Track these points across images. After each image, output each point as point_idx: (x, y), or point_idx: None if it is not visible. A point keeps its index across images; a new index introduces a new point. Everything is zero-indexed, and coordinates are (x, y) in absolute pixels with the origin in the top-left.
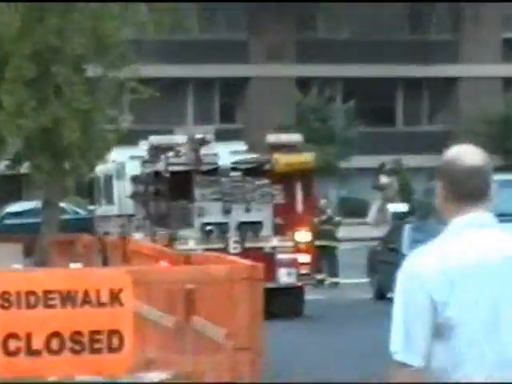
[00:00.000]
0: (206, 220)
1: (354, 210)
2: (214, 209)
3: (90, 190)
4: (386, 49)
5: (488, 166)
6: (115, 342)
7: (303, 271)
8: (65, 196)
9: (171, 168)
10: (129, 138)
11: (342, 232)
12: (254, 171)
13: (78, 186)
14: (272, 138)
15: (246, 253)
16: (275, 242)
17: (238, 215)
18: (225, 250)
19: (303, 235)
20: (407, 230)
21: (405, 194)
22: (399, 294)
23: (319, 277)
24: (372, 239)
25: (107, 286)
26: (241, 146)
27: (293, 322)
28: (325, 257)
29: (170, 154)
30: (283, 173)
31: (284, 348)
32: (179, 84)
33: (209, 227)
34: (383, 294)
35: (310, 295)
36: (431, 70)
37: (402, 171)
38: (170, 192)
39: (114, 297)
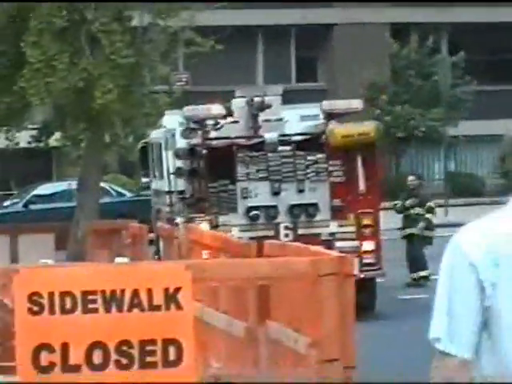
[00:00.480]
0: (250, 203)
1: (465, 187)
2: (260, 190)
3: (142, 159)
4: None
5: None
6: (172, 353)
7: (367, 260)
8: (105, 174)
9: (209, 143)
10: (184, 101)
11: (450, 216)
12: (307, 144)
13: (121, 162)
14: (327, 104)
15: (299, 240)
16: (333, 227)
17: (289, 197)
18: (275, 238)
19: (366, 219)
20: None
21: None
22: (444, 269)
23: (422, 274)
24: None
25: (161, 284)
26: (314, 109)
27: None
28: (412, 248)
29: (210, 124)
30: (341, 146)
31: (369, 355)
32: (246, 34)
33: (254, 211)
34: None
35: (407, 294)
36: None
37: None
38: (208, 171)
39: (170, 298)
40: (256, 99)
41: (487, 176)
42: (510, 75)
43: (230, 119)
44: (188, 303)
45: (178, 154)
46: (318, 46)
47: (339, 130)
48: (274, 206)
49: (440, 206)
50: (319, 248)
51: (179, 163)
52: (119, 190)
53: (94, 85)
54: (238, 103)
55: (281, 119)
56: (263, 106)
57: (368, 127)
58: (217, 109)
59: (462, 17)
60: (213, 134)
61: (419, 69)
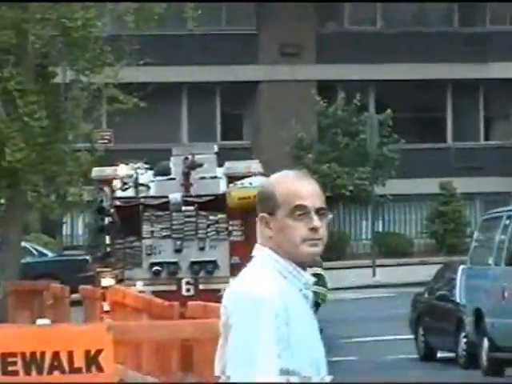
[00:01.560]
0: (154, 259)
1: (393, 247)
2: (164, 247)
3: None
4: (432, 43)
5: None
6: None
7: None
8: (27, 233)
9: (116, 202)
10: (107, 160)
11: (378, 276)
12: (210, 205)
13: (43, 221)
14: (227, 167)
15: (199, 295)
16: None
17: (190, 254)
18: (177, 292)
19: None
20: (461, 272)
21: (457, 226)
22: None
23: None
24: (416, 284)
25: (82, 346)
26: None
27: None
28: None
29: (116, 185)
30: (237, 208)
31: None
32: (170, 91)
33: (157, 267)
34: (432, 353)
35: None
36: (488, 69)
37: (455, 198)
38: (115, 228)
39: (92, 360)
40: (189, 158)
41: (416, 236)
42: (437, 133)
43: (165, 177)
44: (109, 365)
45: (94, 211)
46: (243, 103)
47: (236, 193)
48: (176, 263)
49: (367, 266)
50: None
51: (92, 220)
52: (41, 249)
53: (6, 142)
54: (175, 161)
55: (215, 177)
56: (194, 165)
57: None
58: (123, 169)
59: (388, 74)
60: (117, 194)
61: (346, 127)
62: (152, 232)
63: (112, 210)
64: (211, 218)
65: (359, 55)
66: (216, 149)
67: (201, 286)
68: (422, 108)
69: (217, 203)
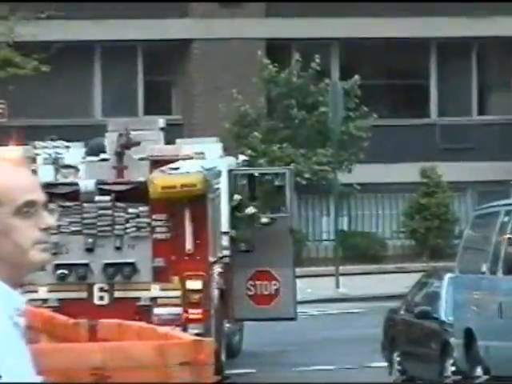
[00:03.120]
0: (60, 260)
1: (361, 250)
2: (72, 245)
3: None
4: None
5: None
6: None
7: (193, 331)
8: None
9: None
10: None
11: (343, 287)
12: (130, 195)
13: None
14: (154, 150)
15: (115, 305)
16: (155, 291)
17: (105, 254)
18: (88, 301)
19: (193, 282)
20: (447, 283)
21: (443, 224)
22: None
23: None
24: (390, 297)
25: None
26: (208, 146)
27: None
28: None
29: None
30: (161, 199)
31: None
32: (80, 52)
33: (62, 270)
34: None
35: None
36: (483, 25)
37: (440, 187)
38: None
39: None
40: (123, 134)
41: (390, 236)
42: (418, 106)
43: (97, 158)
44: None
45: None
46: (171, 68)
47: (160, 181)
48: (86, 265)
49: (329, 274)
50: (168, 329)
51: None
52: None
53: None
54: (111, 138)
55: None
56: (129, 143)
57: (193, 178)
58: (18, 150)
59: (356, 30)
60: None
61: (302, 97)
62: (58, 227)
63: None
64: (130, 210)
65: (319, 7)
66: (162, 123)
67: (116, 294)
68: (399, 74)
69: (138, 193)
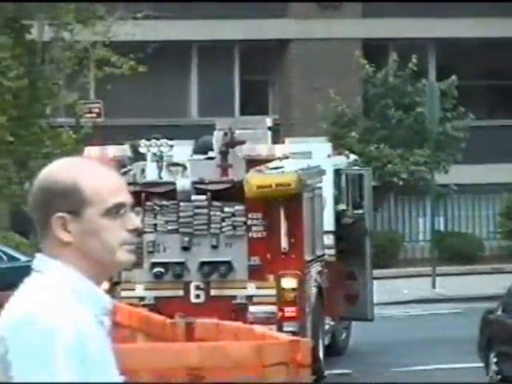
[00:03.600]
0: (155, 259)
1: (458, 251)
2: (169, 244)
3: None
4: None
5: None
6: None
7: (288, 329)
8: None
9: None
10: (96, 138)
11: (439, 287)
12: (226, 194)
13: (15, 217)
14: (246, 150)
15: (211, 303)
16: (251, 289)
17: (201, 253)
18: (185, 299)
19: (288, 281)
20: None
21: None
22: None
23: None
24: (487, 298)
25: None
26: (316, 145)
27: None
28: None
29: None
30: (257, 198)
31: None
32: (176, 53)
33: (159, 268)
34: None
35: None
36: None
37: None
38: None
39: None
40: (228, 133)
41: (487, 237)
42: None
43: (203, 156)
44: None
45: None
46: (269, 68)
47: (255, 180)
48: (182, 263)
49: (426, 275)
50: (265, 329)
51: None
52: (11, 252)
53: None
54: (217, 136)
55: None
56: (233, 142)
57: (288, 177)
58: (117, 151)
59: (453, 31)
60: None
61: (399, 98)
62: (155, 225)
63: None
64: (226, 209)
65: (416, 7)
66: (270, 123)
67: (213, 292)
68: (496, 74)
69: (234, 192)
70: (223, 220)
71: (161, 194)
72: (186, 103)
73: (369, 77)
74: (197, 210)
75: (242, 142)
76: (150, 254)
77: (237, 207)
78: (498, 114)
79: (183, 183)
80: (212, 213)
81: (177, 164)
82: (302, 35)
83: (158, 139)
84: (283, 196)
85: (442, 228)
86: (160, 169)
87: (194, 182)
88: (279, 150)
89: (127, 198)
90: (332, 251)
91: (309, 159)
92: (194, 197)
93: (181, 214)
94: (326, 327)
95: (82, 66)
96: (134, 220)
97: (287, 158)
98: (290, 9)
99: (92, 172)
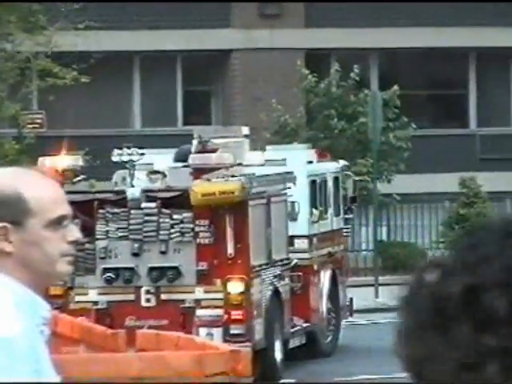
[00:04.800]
0: (107, 264)
1: (401, 261)
2: (120, 250)
3: None
4: (451, 2)
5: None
6: None
7: (234, 331)
8: None
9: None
10: (38, 149)
11: (382, 296)
12: (175, 202)
13: None
14: (195, 158)
15: (161, 306)
16: (199, 293)
17: (150, 258)
18: (136, 303)
19: (235, 285)
20: None
21: None
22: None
23: None
24: None
25: None
26: (294, 152)
27: None
28: None
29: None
30: (202, 205)
31: None
32: (119, 62)
33: (109, 274)
34: None
35: None
36: None
37: (480, 198)
38: None
39: None
40: (202, 141)
41: (430, 246)
42: (457, 116)
43: (181, 164)
44: None
45: None
46: (211, 78)
47: (200, 188)
48: (132, 268)
49: (368, 285)
50: (206, 339)
51: None
52: None
53: None
54: (194, 146)
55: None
56: (204, 150)
57: (232, 185)
58: (70, 160)
59: (395, 41)
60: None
61: (341, 107)
62: (107, 232)
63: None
64: (175, 216)
65: (359, 17)
66: (246, 131)
67: (163, 296)
68: (439, 84)
69: (183, 200)
70: (172, 227)
71: (113, 202)
72: (128, 114)
73: (311, 87)
74: (146, 218)
75: (213, 151)
76: (101, 260)
77: (185, 214)
78: (440, 124)
79: (133, 191)
80: (161, 220)
81: (157, 172)
82: (244, 45)
83: (129, 148)
84: (227, 203)
85: (384, 238)
86: (132, 176)
87: (144, 190)
88: (227, 158)
89: (68, 210)
90: (306, 255)
91: (283, 166)
92: (143, 204)
93: (131, 221)
94: (296, 329)
95: (25, 77)
96: (75, 232)
97: (233, 166)
98: (232, 19)
99: (36, 183)
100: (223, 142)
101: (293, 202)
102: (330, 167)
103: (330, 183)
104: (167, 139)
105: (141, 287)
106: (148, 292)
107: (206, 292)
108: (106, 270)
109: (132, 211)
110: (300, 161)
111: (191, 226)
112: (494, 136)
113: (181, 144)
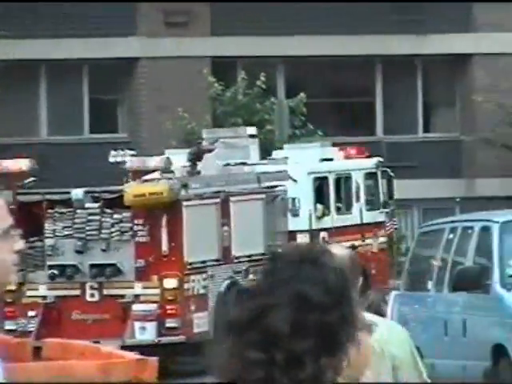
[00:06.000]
0: (52, 261)
1: None
2: (65, 248)
3: None
4: (356, 11)
5: None
6: None
7: (169, 325)
8: None
9: (19, 198)
10: None
11: None
12: (116, 202)
13: None
14: (131, 162)
15: (104, 301)
16: (138, 288)
17: (92, 255)
18: (81, 298)
19: (169, 281)
20: (393, 300)
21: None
22: None
23: None
24: None
25: None
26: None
27: None
28: None
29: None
30: (135, 206)
31: None
32: (25, 70)
33: (52, 270)
34: None
35: None
36: (428, 42)
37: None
38: (17, 227)
39: None
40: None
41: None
42: (363, 124)
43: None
44: None
45: None
46: (118, 86)
47: (132, 189)
48: (75, 265)
49: None
50: (113, 349)
51: None
52: None
53: None
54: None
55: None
56: (200, 151)
57: (160, 186)
58: (19, 164)
59: (301, 49)
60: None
61: (248, 115)
62: (54, 231)
63: (12, 207)
64: (115, 216)
65: (265, 25)
66: (252, 131)
67: (105, 292)
68: (345, 91)
69: (123, 200)
70: (113, 226)
71: (60, 202)
72: (35, 122)
73: (218, 95)
74: (90, 217)
75: (209, 151)
76: (49, 257)
77: (124, 214)
78: (346, 131)
79: (77, 192)
80: (103, 219)
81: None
82: (150, 53)
83: (122, 150)
84: (159, 204)
85: None
86: (127, 176)
87: (87, 192)
88: (160, 161)
89: (12, 220)
90: None
91: (283, 165)
92: (87, 204)
93: (75, 221)
94: None
95: None
96: (20, 241)
97: (167, 168)
98: (138, 27)
99: None
100: (232, 142)
101: (293, 199)
102: (360, 164)
103: (359, 179)
104: (73, 147)
105: (85, 283)
106: (92, 287)
107: (144, 288)
108: (51, 266)
109: (78, 211)
110: (309, 158)
111: (129, 225)
112: (400, 144)
113: (87, 152)
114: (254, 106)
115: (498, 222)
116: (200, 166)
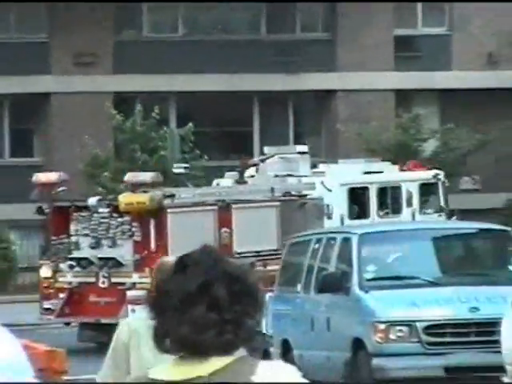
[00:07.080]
0: (75, 255)
1: None
2: (84, 244)
3: None
4: (238, 52)
5: None
6: None
7: None
8: None
9: (51, 204)
10: None
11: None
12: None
13: None
14: (129, 176)
15: (111, 287)
16: (135, 278)
17: (102, 250)
18: (96, 284)
19: None
20: (268, 300)
21: None
22: None
23: None
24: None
25: None
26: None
27: None
28: None
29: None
30: (128, 212)
31: None
32: None
33: (71, 262)
34: None
35: None
36: (298, 80)
37: None
38: (51, 226)
39: None
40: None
41: None
42: (243, 149)
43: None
44: None
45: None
46: (34, 117)
47: (123, 199)
48: (86, 258)
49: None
50: (28, 341)
51: None
52: None
53: None
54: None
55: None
56: (245, 165)
57: (144, 197)
58: (53, 176)
59: (190, 85)
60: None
61: (144, 142)
62: (76, 230)
63: (47, 210)
64: (119, 219)
65: (159, 65)
66: (301, 148)
67: (112, 279)
68: (228, 122)
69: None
70: (117, 227)
71: (84, 208)
72: None
73: (119, 124)
74: (101, 220)
75: (254, 165)
76: (72, 251)
77: (126, 218)
78: (228, 156)
79: (92, 200)
80: (111, 222)
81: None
82: (61, 89)
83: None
84: (143, 211)
85: None
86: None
87: (100, 199)
88: (153, 176)
89: None
90: None
91: (322, 177)
92: (101, 209)
93: (91, 222)
94: None
95: None
96: None
97: (158, 180)
98: (52, 65)
99: None
100: (286, 157)
101: (328, 205)
102: (412, 175)
103: (411, 187)
104: None
105: (99, 272)
106: (103, 276)
107: (140, 277)
108: (71, 259)
109: (94, 215)
110: (349, 172)
111: (129, 226)
112: None
113: (7, 175)
114: (150, 134)
115: (356, 234)
116: (256, 175)
